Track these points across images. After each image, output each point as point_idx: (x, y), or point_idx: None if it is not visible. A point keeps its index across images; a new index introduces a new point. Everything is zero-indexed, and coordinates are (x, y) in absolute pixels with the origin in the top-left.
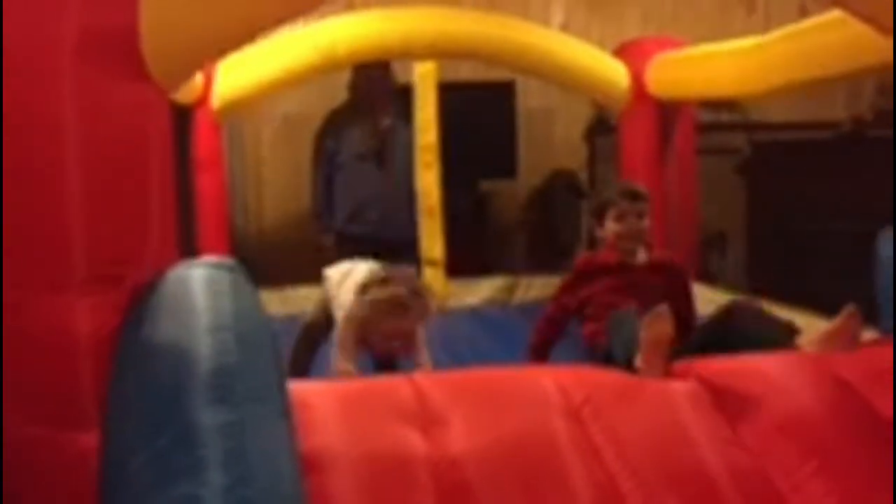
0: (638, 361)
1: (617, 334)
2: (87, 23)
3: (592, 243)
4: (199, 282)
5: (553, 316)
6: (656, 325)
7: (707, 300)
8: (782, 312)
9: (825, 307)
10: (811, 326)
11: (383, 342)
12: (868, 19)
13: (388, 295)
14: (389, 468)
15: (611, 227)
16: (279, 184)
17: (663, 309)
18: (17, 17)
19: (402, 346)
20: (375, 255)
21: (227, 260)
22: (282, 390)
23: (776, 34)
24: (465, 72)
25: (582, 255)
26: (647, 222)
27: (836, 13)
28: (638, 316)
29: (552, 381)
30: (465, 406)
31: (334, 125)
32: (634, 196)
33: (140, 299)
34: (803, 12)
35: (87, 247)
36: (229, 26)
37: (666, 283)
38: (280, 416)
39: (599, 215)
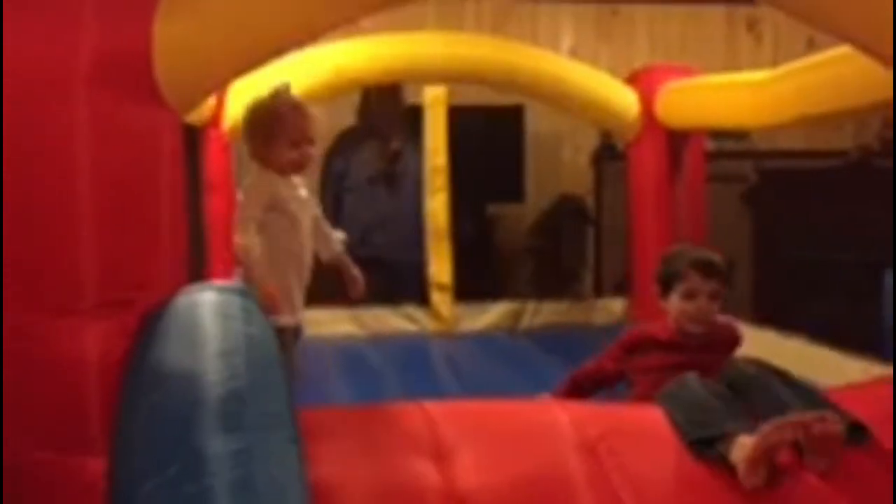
0: (736, 458)
1: (675, 402)
2: (100, 47)
3: (598, 274)
4: (208, 306)
5: (589, 376)
6: (776, 435)
7: None
8: (787, 341)
9: (830, 336)
10: (815, 356)
11: (287, 151)
12: (869, 51)
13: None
14: (401, 498)
15: (676, 303)
16: None
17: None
18: (32, 41)
19: (302, 160)
20: (382, 279)
21: (238, 284)
22: (292, 416)
23: (787, 67)
24: (474, 95)
25: (635, 329)
26: (718, 304)
27: (845, 48)
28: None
29: (567, 414)
30: (477, 439)
31: (342, 147)
32: (709, 270)
33: (150, 324)
34: (811, 43)
35: (98, 271)
36: (242, 49)
37: (718, 361)
38: (290, 443)
39: (665, 285)
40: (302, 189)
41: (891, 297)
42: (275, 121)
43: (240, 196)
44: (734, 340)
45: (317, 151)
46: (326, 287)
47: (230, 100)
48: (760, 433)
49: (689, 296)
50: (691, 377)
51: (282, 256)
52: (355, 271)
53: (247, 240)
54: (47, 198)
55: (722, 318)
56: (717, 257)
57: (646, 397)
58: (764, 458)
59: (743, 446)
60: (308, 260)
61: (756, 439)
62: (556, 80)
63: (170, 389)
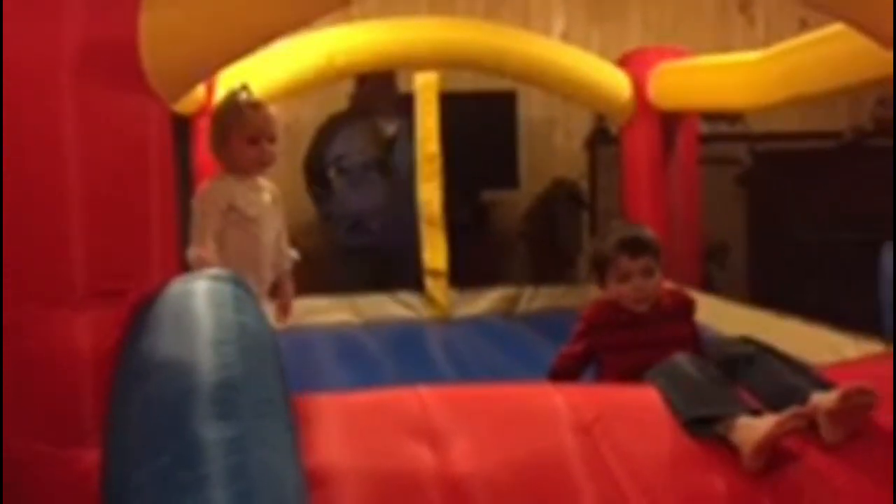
0: (741, 440)
1: (667, 382)
2: (86, 36)
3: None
4: (200, 295)
5: (565, 368)
6: (791, 423)
7: (711, 311)
8: (784, 322)
9: (828, 317)
10: (812, 335)
11: (245, 148)
12: (867, 30)
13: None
14: (397, 484)
15: (614, 288)
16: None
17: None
18: (17, 30)
19: (262, 157)
20: (378, 266)
21: (229, 272)
22: (286, 404)
23: (779, 47)
24: (466, 82)
25: (591, 305)
26: (657, 278)
27: (837, 26)
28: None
29: (563, 397)
30: (472, 424)
31: (333, 131)
32: (636, 248)
33: (141, 313)
34: (804, 24)
35: (88, 262)
36: (230, 38)
37: (682, 330)
38: (284, 430)
39: (599, 272)
40: (267, 194)
41: (888, 277)
42: (231, 118)
43: (194, 203)
44: (688, 305)
45: (305, 137)
46: (321, 276)
47: (220, 88)
48: (778, 421)
49: (623, 278)
50: (681, 357)
51: (238, 265)
52: (289, 294)
53: (202, 251)
54: (35, 189)
55: (669, 287)
56: (643, 231)
57: (619, 377)
58: (774, 443)
59: (750, 428)
60: (267, 270)
61: (771, 426)
62: (548, 63)
63: (163, 378)
